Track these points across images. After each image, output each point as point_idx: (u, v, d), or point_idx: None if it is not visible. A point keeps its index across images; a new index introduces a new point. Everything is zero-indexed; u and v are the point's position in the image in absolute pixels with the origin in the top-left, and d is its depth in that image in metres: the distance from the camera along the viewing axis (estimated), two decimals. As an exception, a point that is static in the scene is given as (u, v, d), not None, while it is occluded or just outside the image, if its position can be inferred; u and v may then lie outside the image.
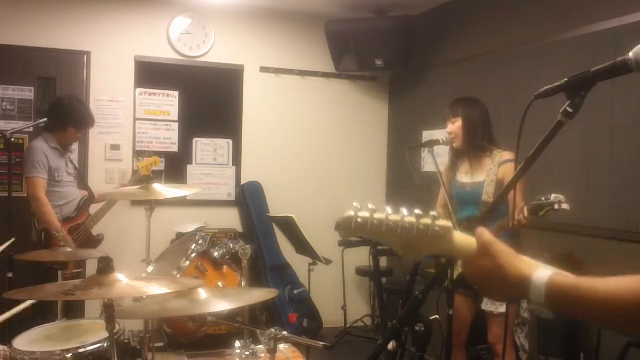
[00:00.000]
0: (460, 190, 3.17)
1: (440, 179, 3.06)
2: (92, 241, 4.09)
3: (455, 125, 3.15)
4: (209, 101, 5.30)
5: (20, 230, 3.92)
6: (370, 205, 1.03)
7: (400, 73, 5.57)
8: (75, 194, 4.07)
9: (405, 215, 1.03)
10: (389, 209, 1.03)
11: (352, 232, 1.06)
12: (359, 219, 1.03)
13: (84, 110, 4.13)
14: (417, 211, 1.03)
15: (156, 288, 1.92)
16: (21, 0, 4.76)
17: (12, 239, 3.05)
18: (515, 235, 2.90)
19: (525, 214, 2.67)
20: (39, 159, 3.83)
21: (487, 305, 3.04)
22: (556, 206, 2.56)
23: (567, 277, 0.97)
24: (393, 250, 1.07)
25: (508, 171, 3.00)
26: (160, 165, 5.10)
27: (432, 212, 1.04)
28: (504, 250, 1.04)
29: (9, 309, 3.07)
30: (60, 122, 3.94)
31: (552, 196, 2.57)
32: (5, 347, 2.38)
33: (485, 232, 1.06)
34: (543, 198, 2.61)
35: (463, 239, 1.07)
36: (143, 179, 3.51)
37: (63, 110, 3.96)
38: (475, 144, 3.13)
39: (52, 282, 2.46)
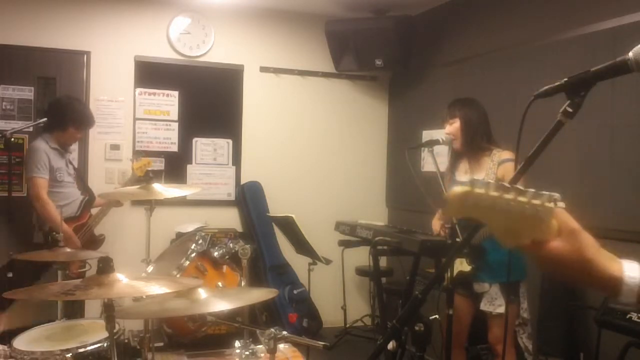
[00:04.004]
0: (460, 190, 3.16)
1: (441, 179, 3.05)
2: (95, 241, 4.10)
3: (453, 127, 3.16)
4: (209, 101, 5.30)
5: (20, 230, 3.93)
6: (480, 179, 0.92)
7: (400, 73, 5.57)
8: (76, 194, 4.07)
9: (517, 193, 0.92)
10: (498, 185, 0.92)
11: (462, 211, 0.93)
12: (474, 196, 0.91)
13: (84, 110, 4.13)
14: (530, 190, 0.93)
15: (156, 288, 1.92)
16: (21, 0, 4.76)
17: None
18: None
19: None
20: (41, 159, 3.82)
21: (486, 305, 3.04)
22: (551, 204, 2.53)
23: None
24: (490, 234, 0.96)
25: (508, 170, 2.99)
26: (160, 165, 5.11)
27: (543, 192, 0.95)
28: (591, 244, 0.99)
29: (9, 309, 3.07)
30: (59, 122, 3.93)
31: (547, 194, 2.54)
32: (5, 347, 2.38)
33: (569, 217, 1.00)
34: None
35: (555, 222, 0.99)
36: (139, 180, 3.52)
37: (62, 111, 3.96)
38: (474, 145, 3.13)
39: (52, 282, 2.46)
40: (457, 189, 0.92)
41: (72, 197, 4.02)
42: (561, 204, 2.52)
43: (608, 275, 0.97)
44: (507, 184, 0.94)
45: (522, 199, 0.93)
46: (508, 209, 0.93)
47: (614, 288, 0.97)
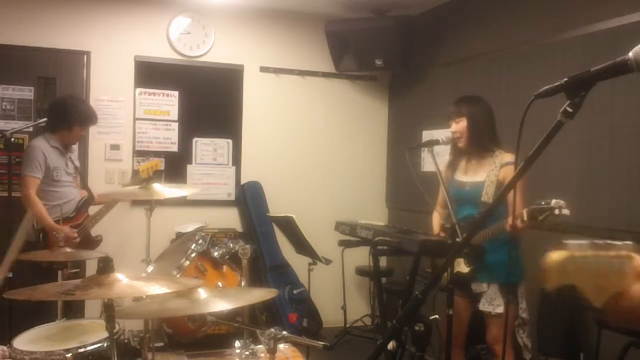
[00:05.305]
0: (459, 189, 3.15)
1: (440, 179, 3.05)
2: (91, 242, 4.08)
3: (460, 125, 3.10)
4: (209, 101, 5.30)
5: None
6: (570, 241, 0.92)
7: (400, 73, 5.57)
8: (74, 194, 4.06)
9: (604, 248, 0.92)
10: (582, 245, 0.92)
11: (563, 279, 0.92)
12: (573, 260, 0.91)
13: (88, 108, 4.17)
14: (612, 243, 0.93)
15: (156, 288, 1.92)
16: (21, 0, 4.76)
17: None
18: (513, 240, 2.88)
19: (525, 218, 2.64)
20: (36, 158, 3.83)
21: (485, 305, 3.03)
22: (556, 211, 2.53)
23: None
24: (586, 300, 0.92)
25: (509, 174, 2.95)
26: (161, 165, 5.11)
27: (617, 242, 0.95)
28: None
29: (9, 309, 3.08)
30: (65, 122, 3.94)
31: (553, 201, 2.54)
32: (5, 347, 2.38)
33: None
34: (543, 202, 2.57)
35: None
36: (142, 181, 3.52)
37: (68, 110, 3.97)
38: (480, 144, 3.08)
39: (52, 282, 2.46)
40: (556, 255, 0.91)
41: (69, 196, 4.01)
42: (565, 211, 2.47)
43: None
44: (597, 241, 0.93)
45: (609, 253, 0.93)
46: (598, 265, 0.93)
47: None
